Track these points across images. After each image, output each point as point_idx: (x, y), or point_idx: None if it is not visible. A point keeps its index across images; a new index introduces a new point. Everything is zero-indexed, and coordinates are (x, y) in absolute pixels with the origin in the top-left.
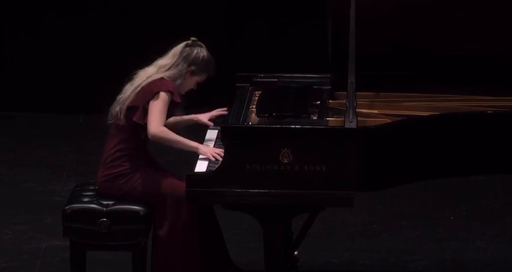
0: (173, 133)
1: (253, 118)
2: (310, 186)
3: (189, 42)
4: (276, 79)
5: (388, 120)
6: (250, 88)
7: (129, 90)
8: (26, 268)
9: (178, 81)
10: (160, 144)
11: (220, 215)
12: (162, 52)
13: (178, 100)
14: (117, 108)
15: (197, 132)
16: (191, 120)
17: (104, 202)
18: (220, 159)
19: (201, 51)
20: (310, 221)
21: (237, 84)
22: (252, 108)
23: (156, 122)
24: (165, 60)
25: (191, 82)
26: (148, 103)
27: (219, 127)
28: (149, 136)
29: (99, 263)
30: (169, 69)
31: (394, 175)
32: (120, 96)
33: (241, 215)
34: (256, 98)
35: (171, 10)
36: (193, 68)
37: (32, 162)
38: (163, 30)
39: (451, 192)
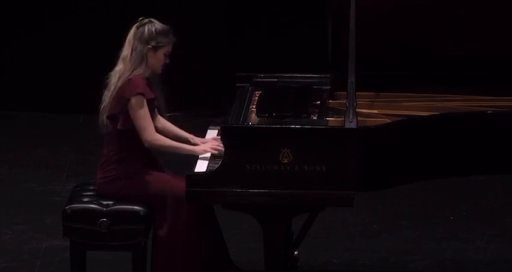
0: (168, 139)
1: (253, 118)
2: (310, 186)
3: (138, 23)
4: (276, 79)
5: (388, 120)
6: (250, 88)
7: (108, 96)
8: (26, 268)
9: (143, 64)
10: (158, 151)
11: (220, 215)
12: None
13: (151, 96)
14: (103, 118)
15: (197, 132)
16: (187, 139)
17: (104, 202)
18: (221, 149)
19: (152, 26)
20: (310, 221)
21: (237, 84)
22: (252, 108)
23: (147, 131)
24: (125, 51)
25: (159, 58)
26: (125, 107)
27: (219, 127)
28: (146, 146)
29: (99, 263)
30: (131, 57)
31: (394, 175)
32: (102, 105)
33: (241, 215)
34: (256, 98)
35: (171, 10)
36: (152, 43)
37: (32, 162)
38: None
39: (451, 192)
